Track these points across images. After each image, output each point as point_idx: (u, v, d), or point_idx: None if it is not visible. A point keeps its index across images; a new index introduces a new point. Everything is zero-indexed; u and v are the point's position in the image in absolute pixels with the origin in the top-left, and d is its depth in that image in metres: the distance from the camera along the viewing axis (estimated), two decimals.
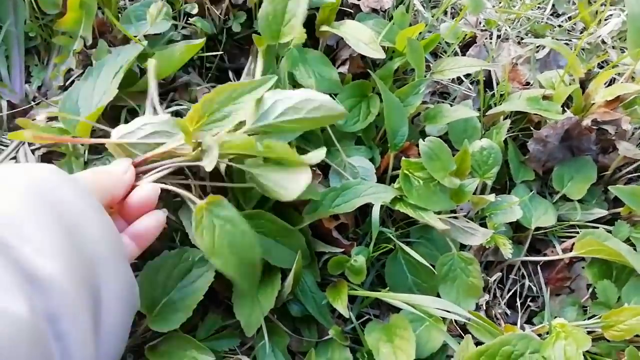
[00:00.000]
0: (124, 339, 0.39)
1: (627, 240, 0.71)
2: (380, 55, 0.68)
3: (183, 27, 0.72)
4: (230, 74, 0.77)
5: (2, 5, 0.70)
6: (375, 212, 0.61)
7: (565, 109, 0.77)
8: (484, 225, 0.67)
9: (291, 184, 0.48)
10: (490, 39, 0.92)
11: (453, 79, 0.84)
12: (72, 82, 0.67)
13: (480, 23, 0.93)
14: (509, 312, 0.71)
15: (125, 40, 0.67)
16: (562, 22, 1.00)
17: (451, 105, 0.77)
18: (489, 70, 0.85)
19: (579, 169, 0.77)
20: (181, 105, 0.68)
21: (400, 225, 0.69)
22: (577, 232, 0.72)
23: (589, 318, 0.66)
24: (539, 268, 0.73)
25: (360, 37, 0.70)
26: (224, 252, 0.44)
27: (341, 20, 0.73)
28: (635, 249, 0.69)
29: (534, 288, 0.73)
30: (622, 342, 0.60)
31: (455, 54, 0.87)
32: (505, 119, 0.79)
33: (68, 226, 0.34)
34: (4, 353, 0.25)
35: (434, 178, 0.63)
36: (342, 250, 0.62)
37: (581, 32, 0.98)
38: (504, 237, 0.67)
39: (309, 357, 0.58)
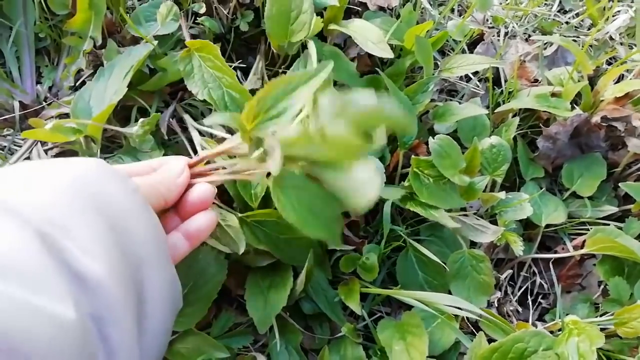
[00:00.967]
0: (167, 339, 0.39)
1: (639, 237, 0.70)
2: (388, 54, 0.67)
3: (191, 27, 0.72)
4: (238, 73, 0.77)
5: (12, 7, 0.70)
6: (387, 210, 0.61)
7: (574, 106, 0.77)
8: (494, 222, 0.67)
9: (361, 185, 0.38)
10: (498, 36, 0.92)
11: (461, 76, 0.83)
12: (83, 82, 0.67)
13: (487, 20, 0.93)
14: (520, 309, 0.71)
15: (134, 40, 0.68)
16: (569, 18, 1.00)
17: (460, 103, 0.77)
18: (497, 68, 0.85)
19: (589, 166, 0.77)
20: (191, 104, 0.68)
21: (411, 223, 0.69)
22: (588, 229, 0.71)
23: (600, 315, 0.66)
24: (550, 265, 0.73)
25: (369, 36, 0.69)
26: (308, 217, 0.40)
27: (349, 19, 0.73)
28: None
29: (545, 285, 0.73)
30: (635, 339, 0.59)
31: (463, 51, 0.87)
32: (514, 116, 0.78)
33: (114, 224, 0.33)
34: (53, 356, 0.25)
35: (443, 176, 0.63)
36: (353, 248, 0.62)
37: (589, 29, 0.98)
38: (514, 234, 0.66)
39: (322, 354, 0.58)
